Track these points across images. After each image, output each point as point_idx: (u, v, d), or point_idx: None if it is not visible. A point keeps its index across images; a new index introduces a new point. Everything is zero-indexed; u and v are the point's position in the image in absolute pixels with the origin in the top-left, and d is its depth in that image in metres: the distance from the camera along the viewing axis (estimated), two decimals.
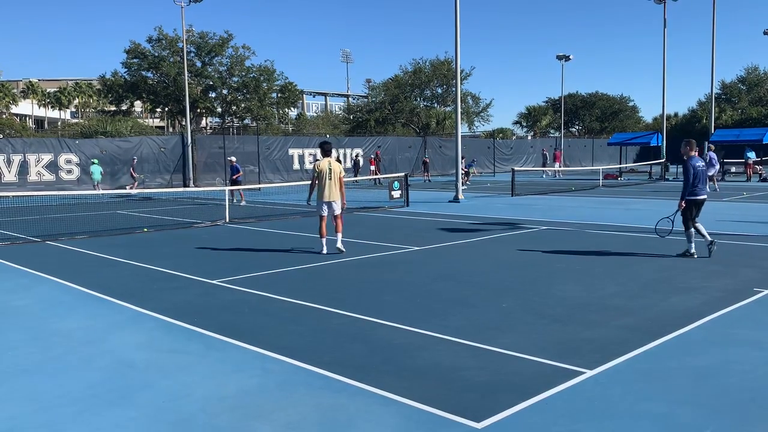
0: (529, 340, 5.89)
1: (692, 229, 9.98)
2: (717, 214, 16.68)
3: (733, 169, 36.22)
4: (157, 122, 71.21)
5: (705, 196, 10.08)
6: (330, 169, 10.80)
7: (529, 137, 69.44)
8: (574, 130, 74.91)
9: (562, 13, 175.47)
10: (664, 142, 38.20)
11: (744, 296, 7.44)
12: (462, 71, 47.43)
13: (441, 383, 4.87)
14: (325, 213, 10.96)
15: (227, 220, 16.42)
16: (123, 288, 8.50)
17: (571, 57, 52.35)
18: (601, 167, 34.40)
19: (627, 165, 40.53)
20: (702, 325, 6.34)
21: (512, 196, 23.76)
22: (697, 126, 58.65)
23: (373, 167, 36.11)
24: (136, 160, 30.92)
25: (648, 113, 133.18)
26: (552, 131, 71.36)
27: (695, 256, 9.98)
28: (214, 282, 8.79)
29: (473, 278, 8.93)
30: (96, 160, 28.67)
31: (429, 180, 37.50)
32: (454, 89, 34.56)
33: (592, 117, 72.08)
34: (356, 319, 6.72)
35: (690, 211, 9.92)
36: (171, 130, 58.35)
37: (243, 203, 22.09)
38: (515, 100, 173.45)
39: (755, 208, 18.33)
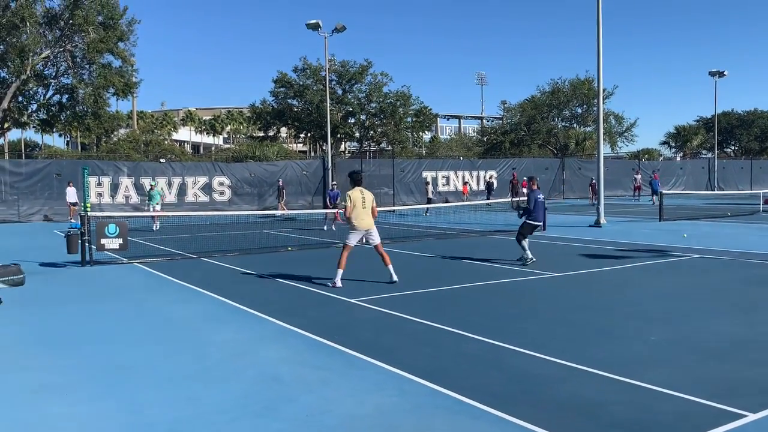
0: (681, 377, 5.49)
1: (525, 242, 12.53)
2: None
3: None
4: (300, 147, 75.08)
5: (540, 223, 13.00)
6: (363, 198, 10.40)
7: (678, 158, 65.14)
8: (729, 150, 69.33)
9: (715, 26, 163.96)
10: None
11: None
12: (604, 90, 45.63)
13: (584, 417, 4.67)
14: (353, 243, 10.58)
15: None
16: (269, 303, 9.00)
17: (725, 73, 48.76)
18: (761, 191, 31.49)
19: None
20: None
21: (660, 221, 22.37)
22: None
23: (524, 189, 34.90)
24: (281, 182, 32.13)
25: None
26: (704, 152, 66.50)
27: (534, 260, 12.29)
28: (352, 301, 9.06)
29: (617, 307, 8.49)
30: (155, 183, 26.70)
31: (595, 204, 35.78)
32: (595, 109, 33.29)
33: (750, 136, 66.33)
34: (492, 345, 6.63)
35: (529, 230, 12.73)
36: (313, 154, 61.31)
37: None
38: (663, 119, 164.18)
39: None
